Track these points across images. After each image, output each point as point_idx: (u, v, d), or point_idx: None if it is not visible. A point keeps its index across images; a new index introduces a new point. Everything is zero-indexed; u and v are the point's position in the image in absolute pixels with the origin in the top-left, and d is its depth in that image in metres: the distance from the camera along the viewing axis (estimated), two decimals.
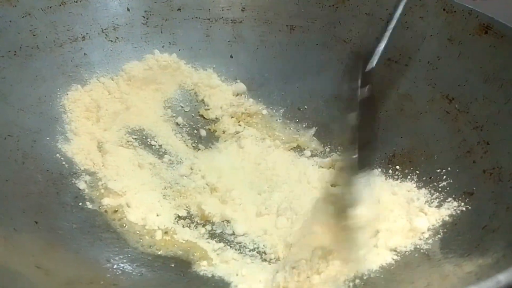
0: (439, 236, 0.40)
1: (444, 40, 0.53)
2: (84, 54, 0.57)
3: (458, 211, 0.41)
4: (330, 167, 0.55)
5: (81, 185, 0.47)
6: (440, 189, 0.45)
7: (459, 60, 0.51)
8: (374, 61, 0.48)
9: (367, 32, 0.59)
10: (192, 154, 0.56)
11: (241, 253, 0.45)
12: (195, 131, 0.60)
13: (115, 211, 0.46)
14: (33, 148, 0.47)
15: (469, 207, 0.41)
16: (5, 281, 0.31)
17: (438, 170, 0.47)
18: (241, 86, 0.63)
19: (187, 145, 0.58)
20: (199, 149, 0.58)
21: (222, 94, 0.63)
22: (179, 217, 0.48)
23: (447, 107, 0.51)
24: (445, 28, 0.53)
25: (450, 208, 0.42)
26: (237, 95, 0.63)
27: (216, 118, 0.61)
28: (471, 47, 0.50)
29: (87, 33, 0.58)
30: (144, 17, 0.62)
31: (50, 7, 0.55)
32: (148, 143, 0.56)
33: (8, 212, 0.40)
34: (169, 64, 0.62)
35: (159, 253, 0.43)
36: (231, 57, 0.65)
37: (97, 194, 0.47)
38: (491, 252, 0.33)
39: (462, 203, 0.42)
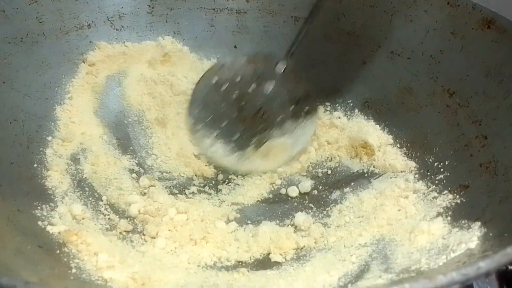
0: None
1: (447, 34, 0.53)
2: (90, 42, 0.58)
3: (453, 204, 0.42)
4: None
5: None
6: (437, 181, 0.46)
7: (461, 54, 0.51)
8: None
9: (371, 25, 0.59)
10: None
11: None
12: None
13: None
14: (38, 133, 0.48)
15: (464, 200, 0.41)
16: (6, 257, 0.32)
17: (436, 164, 0.47)
18: None
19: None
20: None
21: None
22: None
23: (448, 101, 0.51)
24: (448, 22, 0.53)
25: (445, 201, 0.43)
26: None
27: None
28: (474, 42, 0.50)
29: (92, 21, 0.59)
30: (149, 6, 0.63)
31: None
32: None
33: (12, 194, 0.41)
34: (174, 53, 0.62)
35: None
36: (235, 47, 0.65)
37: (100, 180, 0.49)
38: (481, 243, 0.33)
39: (457, 196, 0.42)
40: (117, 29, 0.61)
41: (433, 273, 0.32)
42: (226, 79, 0.55)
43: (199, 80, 0.56)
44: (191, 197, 0.50)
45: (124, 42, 0.61)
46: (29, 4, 0.53)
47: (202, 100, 0.55)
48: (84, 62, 0.57)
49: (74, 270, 0.36)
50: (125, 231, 0.44)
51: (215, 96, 0.55)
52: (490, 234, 0.34)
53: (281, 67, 0.55)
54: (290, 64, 0.55)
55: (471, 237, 0.35)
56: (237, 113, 0.55)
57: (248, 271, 0.41)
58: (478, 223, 0.36)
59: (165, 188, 0.50)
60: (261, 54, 0.59)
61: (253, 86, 0.55)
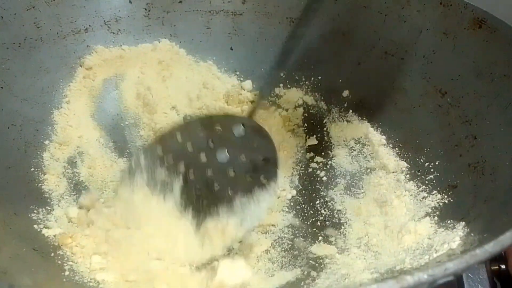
0: None
1: (440, 34, 0.53)
2: (87, 46, 0.59)
3: (441, 204, 0.42)
4: None
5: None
6: (427, 182, 0.46)
7: (453, 54, 0.51)
8: None
9: (365, 25, 0.59)
10: None
11: None
12: None
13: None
14: (35, 137, 0.49)
15: (451, 200, 0.42)
16: (1, 260, 0.33)
17: (427, 164, 0.48)
18: (248, 83, 0.64)
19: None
20: None
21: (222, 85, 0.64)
22: None
23: (440, 101, 0.51)
24: (441, 21, 0.53)
25: (434, 201, 0.43)
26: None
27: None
28: (465, 41, 0.50)
29: (90, 25, 0.59)
30: (145, 9, 0.63)
31: (54, 0, 0.57)
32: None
33: (9, 197, 0.42)
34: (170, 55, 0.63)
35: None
36: (231, 49, 0.66)
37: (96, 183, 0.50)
38: (462, 243, 0.34)
39: (445, 196, 0.43)
40: (114, 33, 0.62)
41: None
42: (172, 149, 0.47)
43: (144, 149, 0.49)
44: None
45: (121, 45, 0.61)
46: (27, 10, 0.54)
47: (146, 170, 0.46)
48: (81, 66, 0.58)
49: (67, 273, 0.37)
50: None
51: (161, 168, 0.46)
52: (472, 234, 0.34)
53: (238, 131, 0.47)
54: (250, 124, 0.47)
55: (454, 237, 0.35)
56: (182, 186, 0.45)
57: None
58: (463, 223, 0.37)
59: None
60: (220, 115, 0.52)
61: (203, 156, 0.46)
